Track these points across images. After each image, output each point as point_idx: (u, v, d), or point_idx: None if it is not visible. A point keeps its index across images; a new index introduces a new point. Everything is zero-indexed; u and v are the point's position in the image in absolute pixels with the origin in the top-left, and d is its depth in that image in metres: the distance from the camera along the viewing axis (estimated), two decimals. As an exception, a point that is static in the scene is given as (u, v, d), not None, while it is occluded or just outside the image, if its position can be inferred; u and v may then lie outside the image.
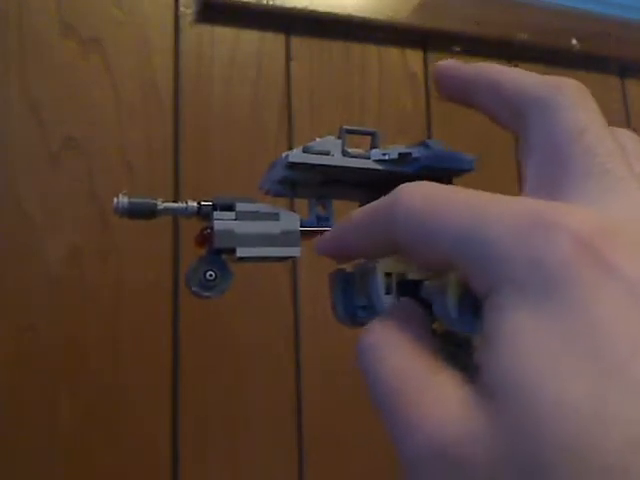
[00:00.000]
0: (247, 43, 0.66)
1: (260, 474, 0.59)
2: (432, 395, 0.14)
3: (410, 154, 0.25)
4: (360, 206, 0.29)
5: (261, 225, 0.24)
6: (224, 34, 0.65)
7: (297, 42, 0.68)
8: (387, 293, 0.24)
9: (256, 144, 0.64)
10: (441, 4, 0.73)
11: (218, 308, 0.59)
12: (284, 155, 0.25)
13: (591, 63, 0.82)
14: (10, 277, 0.54)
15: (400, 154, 0.25)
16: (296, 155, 0.24)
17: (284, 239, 0.25)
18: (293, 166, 0.24)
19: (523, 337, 0.12)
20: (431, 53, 0.74)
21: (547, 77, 0.18)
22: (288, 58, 0.67)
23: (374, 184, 0.27)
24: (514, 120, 0.18)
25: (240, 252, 0.24)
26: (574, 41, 0.79)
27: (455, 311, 0.20)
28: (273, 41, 0.67)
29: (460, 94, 0.21)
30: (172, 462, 0.56)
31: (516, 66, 0.78)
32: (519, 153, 0.18)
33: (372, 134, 0.27)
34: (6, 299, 0.53)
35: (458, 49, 0.76)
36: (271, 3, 0.64)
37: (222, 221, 0.24)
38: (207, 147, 0.62)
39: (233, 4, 0.64)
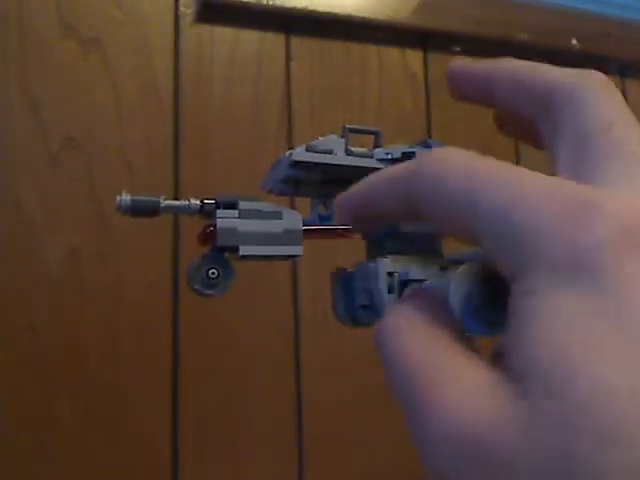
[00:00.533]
0: (247, 43, 0.66)
1: (260, 474, 0.59)
2: (454, 376, 0.14)
3: (413, 153, 0.25)
4: None
5: (264, 224, 0.24)
6: (224, 34, 0.65)
7: (297, 42, 0.68)
8: (389, 292, 0.24)
9: (256, 144, 0.64)
10: (441, 4, 0.73)
11: (218, 308, 0.59)
12: (287, 154, 0.25)
13: (591, 63, 0.81)
14: (10, 277, 0.54)
15: (403, 153, 0.25)
16: (300, 154, 0.24)
17: (287, 238, 0.25)
18: (296, 165, 0.24)
19: (559, 319, 0.12)
20: (431, 53, 0.74)
21: (573, 70, 0.18)
22: (288, 58, 0.67)
23: None
24: (541, 113, 0.18)
25: (243, 250, 0.24)
26: (574, 41, 0.79)
27: (459, 310, 0.20)
28: (273, 41, 0.67)
29: (477, 92, 0.21)
30: (172, 462, 0.56)
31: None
32: (546, 145, 0.18)
33: (375, 133, 0.27)
34: (6, 299, 0.53)
35: (458, 49, 0.76)
36: (271, 3, 0.64)
37: (225, 219, 0.24)
38: (207, 147, 0.62)
39: (233, 4, 0.64)
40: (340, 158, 0.25)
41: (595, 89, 0.17)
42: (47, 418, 0.53)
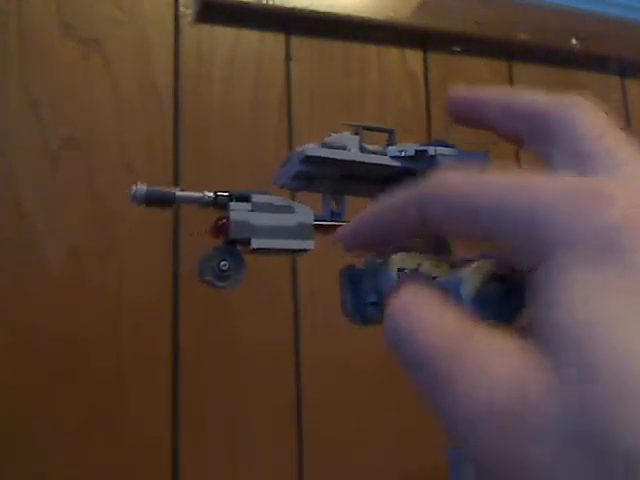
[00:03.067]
0: (247, 43, 0.66)
1: (260, 474, 0.59)
2: (481, 348, 0.14)
3: (426, 151, 0.25)
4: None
5: (276, 217, 0.24)
6: (224, 34, 0.65)
7: (297, 42, 0.68)
8: None
9: (256, 144, 0.64)
10: (441, 4, 0.73)
11: (218, 308, 0.59)
12: (300, 149, 0.25)
13: (591, 63, 0.82)
14: (10, 277, 0.54)
15: (417, 151, 0.25)
16: (313, 149, 0.24)
17: (298, 232, 0.25)
18: (309, 160, 0.24)
19: (583, 291, 0.13)
20: (431, 53, 0.74)
21: (559, 95, 0.20)
22: (288, 58, 0.67)
23: (389, 180, 0.27)
24: (532, 131, 0.20)
25: (255, 243, 0.24)
26: (574, 41, 0.79)
27: (468, 303, 0.20)
28: (273, 41, 0.67)
29: (475, 116, 0.23)
30: (172, 462, 0.56)
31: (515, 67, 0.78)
32: (541, 157, 0.20)
33: (390, 132, 0.27)
34: (6, 299, 0.53)
35: (458, 49, 0.76)
36: (271, 3, 0.64)
37: (238, 212, 0.24)
38: (207, 147, 0.62)
39: (233, 4, 0.64)
40: (354, 154, 0.25)
41: (584, 109, 0.19)
42: (47, 418, 0.53)
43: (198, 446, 0.57)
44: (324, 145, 0.24)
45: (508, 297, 0.20)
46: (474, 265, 0.21)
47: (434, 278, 0.23)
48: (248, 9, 0.64)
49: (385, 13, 0.69)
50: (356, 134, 0.26)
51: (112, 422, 0.55)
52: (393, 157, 0.26)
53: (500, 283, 0.20)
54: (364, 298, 0.26)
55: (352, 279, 0.27)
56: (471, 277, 0.20)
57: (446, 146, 0.26)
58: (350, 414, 0.63)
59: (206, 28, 0.64)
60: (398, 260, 0.24)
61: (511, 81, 0.78)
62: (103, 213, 0.57)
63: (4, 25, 0.57)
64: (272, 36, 0.67)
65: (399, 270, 0.24)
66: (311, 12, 0.66)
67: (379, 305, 0.25)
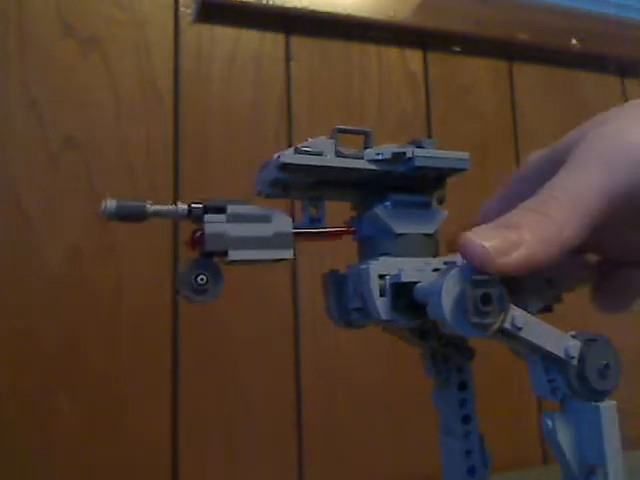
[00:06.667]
0: (247, 43, 0.66)
1: (260, 474, 0.59)
2: None
3: (404, 154, 0.25)
4: (353, 207, 0.28)
5: (253, 227, 0.24)
6: (224, 34, 0.65)
7: (297, 42, 0.68)
8: (381, 295, 0.24)
9: (256, 144, 0.64)
10: (441, 4, 0.73)
11: (218, 308, 0.59)
12: (276, 156, 0.24)
13: (591, 63, 0.82)
14: (10, 277, 0.54)
15: (394, 154, 0.25)
16: (288, 156, 0.24)
17: (276, 241, 0.24)
18: (285, 167, 0.24)
19: None
20: (431, 53, 0.74)
21: None
22: (288, 58, 0.67)
23: (368, 184, 0.26)
24: None
25: (232, 255, 0.23)
26: (574, 41, 0.79)
27: (448, 311, 0.20)
28: (273, 41, 0.67)
29: None
30: (172, 462, 0.56)
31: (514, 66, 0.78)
32: None
33: (365, 134, 0.26)
34: (6, 299, 0.53)
35: (458, 49, 0.76)
36: (271, 3, 0.64)
37: (213, 224, 0.23)
38: (207, 147, 0.62)
39: (233, 4, 0.64)
40: (330, 160, 0.24)
41: None
42: (47, 418, 0.53)
43: (198, 446, 0.57)
44: (299, 151, 0.24)
45: (485, 304, 0.20)
46: (454, 270, 0.21)
47: (415, 284, 0.23)
48: (248, 9, 0.64)
49: (385, 13, 0.69)
50: (332, 138, 0.25)
51: (112, 422, 0.55)
52: (370, 160, 0.25)
53: (479, 289, 0.20)
54: (348, 303, 0.26)
55: (336, 284, 0.27)
56: (451, 282, 0.20)
57: (429, 145, 0.25)
58: (350, 415, 0.63)
59: (206, 28, 0.64)
60: (379, 266, 0.24)
61: (511, 81, 0.78)
62: (103, 213, 0.57)
63: (4, 25, 0.57)
64: (272, 36, 0.67)
65: (380, 276, 0.24)
66: (311, 12, 0.66)
67: (363, 310, 0.25)
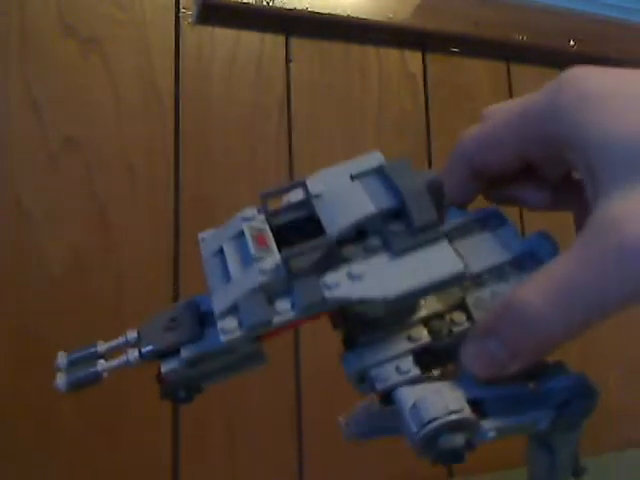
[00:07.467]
0: (247, 44, 0.66)
1: (260, 474, 0.59)
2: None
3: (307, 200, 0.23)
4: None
5: (217, 361, 0.22)
6: (224, 35, 0.65)
7: (297, 43, 0.68)
8: (360, 382, 0.23)
9: (256, 144, 0.64)
10: (440, 5, 0.73)
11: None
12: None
13: (589, 64, 0.82)
14: (10, 277, 0.54)
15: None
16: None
17: (245, 360, 0.23)
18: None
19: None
20: (430, 54, 0.74)
21: None
22: (288, 59, 0.67)
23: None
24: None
25: (204, 385, 0.23)
26: (571, 42, 0.80)
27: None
28: (273, 42, 0.67)
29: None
30: (172, 462, 0.56)
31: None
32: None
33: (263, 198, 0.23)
34: (6, 299, 0.54)
35: (456, 50, 0.76)
36: (271, 4, 0.64)
37: (172, 369, 0.22)
38: (207, 147, 0.62)
39: (233, 5, 0.64)
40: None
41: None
42: (47, 419, 0.53)
43: (198, 447, 0.57)
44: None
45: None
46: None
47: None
48: (248, 10, 0.64)
49: (384, 14, 0.70)
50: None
51: (112, 423, 0.55)
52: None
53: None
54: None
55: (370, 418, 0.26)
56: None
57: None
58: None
59: (206, 29, 0.64)
60: (354, 359, 0.24)
61: (509, 82, 0.78)
62: (103, 213, 0.57)
63: (5, 25, 0.57)
64: (272, 37, 0.67)
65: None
66: (311, 13, 0.66)
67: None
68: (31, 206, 0.55)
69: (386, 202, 0.21)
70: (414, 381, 0.21)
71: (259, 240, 0.22)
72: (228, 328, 0.20)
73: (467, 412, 0.20)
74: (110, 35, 0.60)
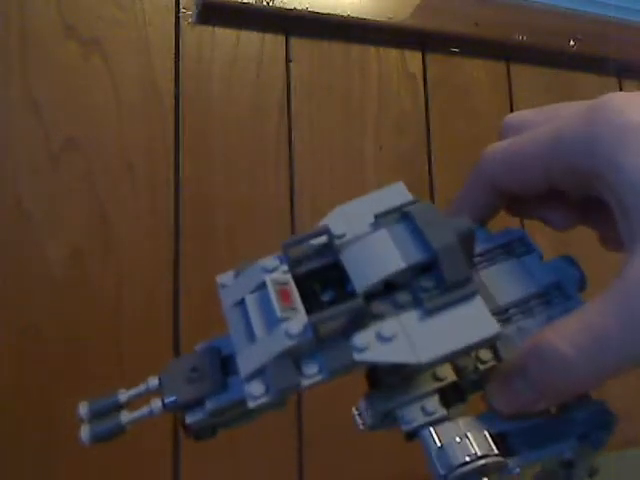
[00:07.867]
0: (247, 44, 0.66)
1: (260, 474, 0.59)
2: None
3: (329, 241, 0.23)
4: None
5: (238, 411, 0.22)
6: (224, 35, 0.65)
7: (297, 43, 0.68)
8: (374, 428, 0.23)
9: (256, 144, 0.64)
10: (440, 5, 0.73)
11: (219, 309, 0.59)
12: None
13: (589, 64, 0.82)
14: (10, 277, 0.54)
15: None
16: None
17: (268, 408, 0.22)
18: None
19: None
20: (430, 54, 0.74)
21: None
22: (288, 59, 0.67)
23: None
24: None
25: (227, 428, 0.24)
26: (572, 42, 0.80)
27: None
28: (273, 42, 0.67)
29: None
30: (172, 462, 0.56)
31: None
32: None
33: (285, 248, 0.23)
34: (6, 299, 0.54)
35: (457, 50, 0.76)
36: (271, 4, 0.64)
37: (197, 420, 0.22)
38: (207, 147, 0.62)
39: (233, 5, 0.64)
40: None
41: None
42: (48, 418, 0.53)
43: (198, 446, 0.57)
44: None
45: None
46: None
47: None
48: (248, 11, 0.64)
49: (384, 14, 0.70)
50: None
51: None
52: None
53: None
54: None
55: None
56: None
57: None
58: (351, 415, 0.63)
59: (207, 29, 0.64)
60: (364, 405, 0.24)
61: (509, 82, 0.78)
62: (104, 213, 0.57)
63: (5, 26, 0.57)
64: (272, 37, 0.67)
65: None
66: (311, 13, 0.66)
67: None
68: (31, 206, 0.56)
69: (416, 256, 0.21)
70: (440, 421, 0.21)
71: (283, 297, 0.21)
72: (256, 394, 0.20)
73: (494, 455, 0.20)
74: (110, 35, 0.60)
